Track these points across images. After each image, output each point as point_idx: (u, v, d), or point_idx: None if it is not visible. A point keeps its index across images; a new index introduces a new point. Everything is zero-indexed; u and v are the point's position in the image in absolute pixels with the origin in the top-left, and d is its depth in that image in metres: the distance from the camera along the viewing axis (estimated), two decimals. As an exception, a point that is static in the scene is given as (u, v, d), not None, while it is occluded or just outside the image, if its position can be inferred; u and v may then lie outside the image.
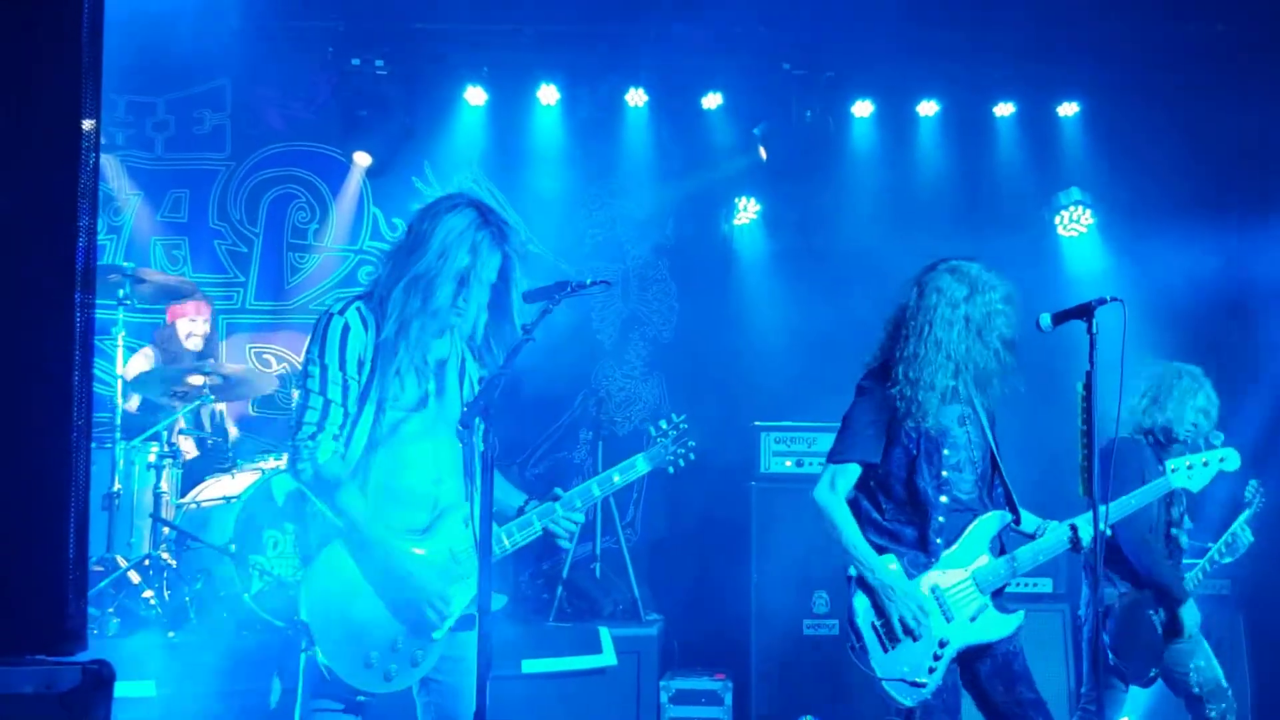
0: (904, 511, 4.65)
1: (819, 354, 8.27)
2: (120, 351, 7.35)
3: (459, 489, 3.93)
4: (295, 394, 3.92)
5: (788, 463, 7.90)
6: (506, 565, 7.01)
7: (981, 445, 4.71)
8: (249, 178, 9.41)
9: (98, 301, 2.63)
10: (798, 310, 9.08)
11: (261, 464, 7.22)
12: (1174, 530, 5.96)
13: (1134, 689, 5.85)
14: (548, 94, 9.23)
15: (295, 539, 6.78)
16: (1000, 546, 4.71)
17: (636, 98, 9.30)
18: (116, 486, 7.02)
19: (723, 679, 7.49)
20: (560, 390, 9.45)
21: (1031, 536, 4.77)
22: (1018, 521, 4.76)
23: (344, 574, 3.77)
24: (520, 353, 3.62)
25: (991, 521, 4.67)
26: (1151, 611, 5.75)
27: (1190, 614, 5.72)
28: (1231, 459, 5.26)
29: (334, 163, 9.44)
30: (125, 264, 7.69)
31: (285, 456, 4.61)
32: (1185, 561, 5.98)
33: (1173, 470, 5.16)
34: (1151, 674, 5.78)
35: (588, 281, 3.83)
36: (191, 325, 8.23)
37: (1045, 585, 7.64)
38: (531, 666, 6.99)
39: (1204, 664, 5.82)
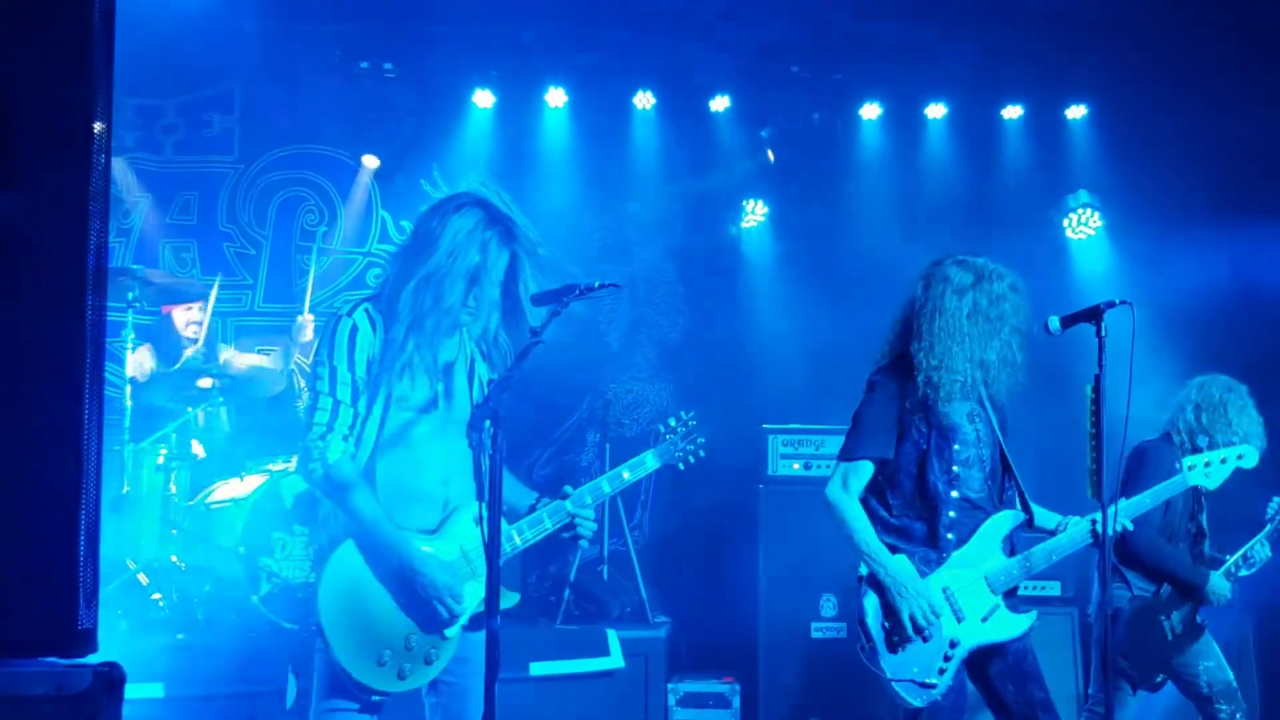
0: (913, 507, 4.63)
1: (827, 356, 8.27)
2: (129, 354, 7.37)
3: (468, 489, 3.95)
4: (304, 395, 3.92)
5: (795, 465, 7.89)
6: (515, 566, 7.03)
7: (991, 443, 4.71)
8: (258, 180, 9.42)
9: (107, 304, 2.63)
10: (805, 313, 9.08)
11: (270, 466, 7.22)
12: (1197, 539, 5.94)
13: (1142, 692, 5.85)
14: (556, 97, 9.24)
15: (304, 541, 6.79)
16: (1012, 546, 4.69)
17: (644, 100, 9.31)
18: (125, 489, 7.04)
19: (730, 682, 7.49)
20: (567, 393, 9.45)
21: (1053, 533, 4.75)
22: (1030, 521, 4.75)
23: (356, 573, 3.78)
24: (529, 355, 3.63)
25: (1003, 520, 4.66)
26: (1164, 617, 5.74)
27: (1219, 583, 5.69)
28: (1250, 456, 5.20)
29: (343, 166, 9.45)
30: (134, 266, 7.70)
31: (295, 459, 4.62)
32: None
33: (1190, 468, 5.12)
34: (1159, 679, 5.77)
35: (596, 284, 3.82)
36: (188, 314, 8.22)
37: (1054, 588, 7.63)
38: (539, 669, 6.99)
39: (1214, 665, 5.81)
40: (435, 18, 8.78)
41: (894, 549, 4.58)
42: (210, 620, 6.82)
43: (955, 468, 4.60)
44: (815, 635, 7.59)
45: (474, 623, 3.87)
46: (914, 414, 4.61)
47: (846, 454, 4.70)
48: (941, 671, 4.49)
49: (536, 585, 8.43)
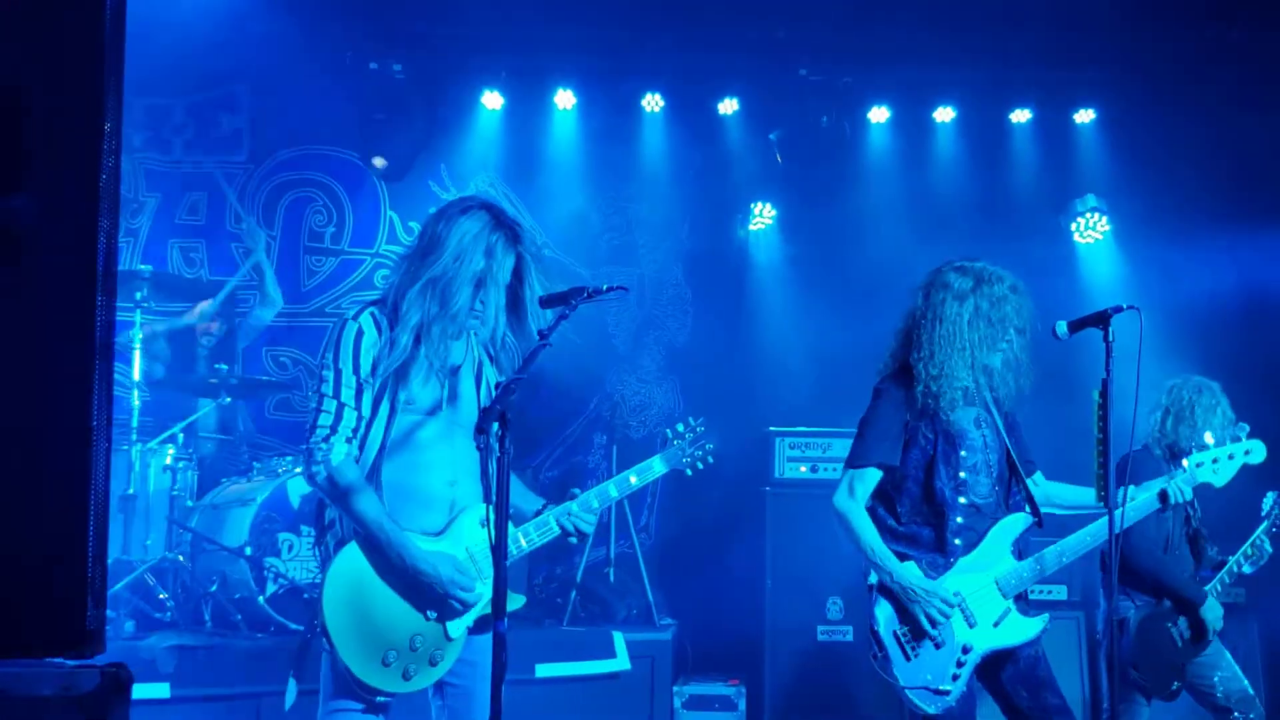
0: (920, 513, 4.63)
1: (834, 359, 8.28)
2: (137, 354, 7.39)
3: (474, 491, 3.94)
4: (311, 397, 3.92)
5: (802, 468, 7.89)
6: (521, 569, 7.04)
7: (998, 449, 4.70)
8: (266, 181, 9.44)
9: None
10: (813, 315, 9.08)
11: (278, 467, 7.23)
12: (1193, 541, 5.94)
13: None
14: (564, 99, 9.25)
15: (311, 542, 6.80)
16: (1021, 550, 4.69)
17: (653, 103, 9.32)
18: (132, 489, 7.05)
19: (736, 684, 7.48)
20: (574, 395, 9.46)
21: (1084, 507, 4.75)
22: (1039, 524, 4.74)
23: (361, 575, 3.79)
24: (536, 358, 3.63)
25: (1013, 524, 4.65)
26: (1170, 625, 5.73)
27: (1212, 612, 5.69)
28: (1257, 451, 5.15)
29: (351, 166, 9.47)
30: (142, 266, 7.71)
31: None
32: (1202, 574, 5.95)
33: (1197, 465, 5.11)
34: (1174, 687, 5.75)
35: (604, 287, 3.82)
36: (208, 327, 8.29)
37: (1060, 592, 7.63)
38: (545, 670, 6.99)
39: (1228, 674, 5.79)
40: (444, 19, 8.79)
41: (902, 556, 4.58)
42: (217, 621, 6.83)
43: (962, 473, 4.60)
44: (821, 638, 7.59)
45: (480, 626, 3.87)
46: (920, 420, 4.61)
47: (852, 461, 4.71)
48: (955, 678, 4.49)
49: (543, 587, 8.44)
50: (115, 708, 2.23)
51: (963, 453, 4.61)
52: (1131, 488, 4.87)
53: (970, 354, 4.56)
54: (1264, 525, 5.92)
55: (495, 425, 3.40)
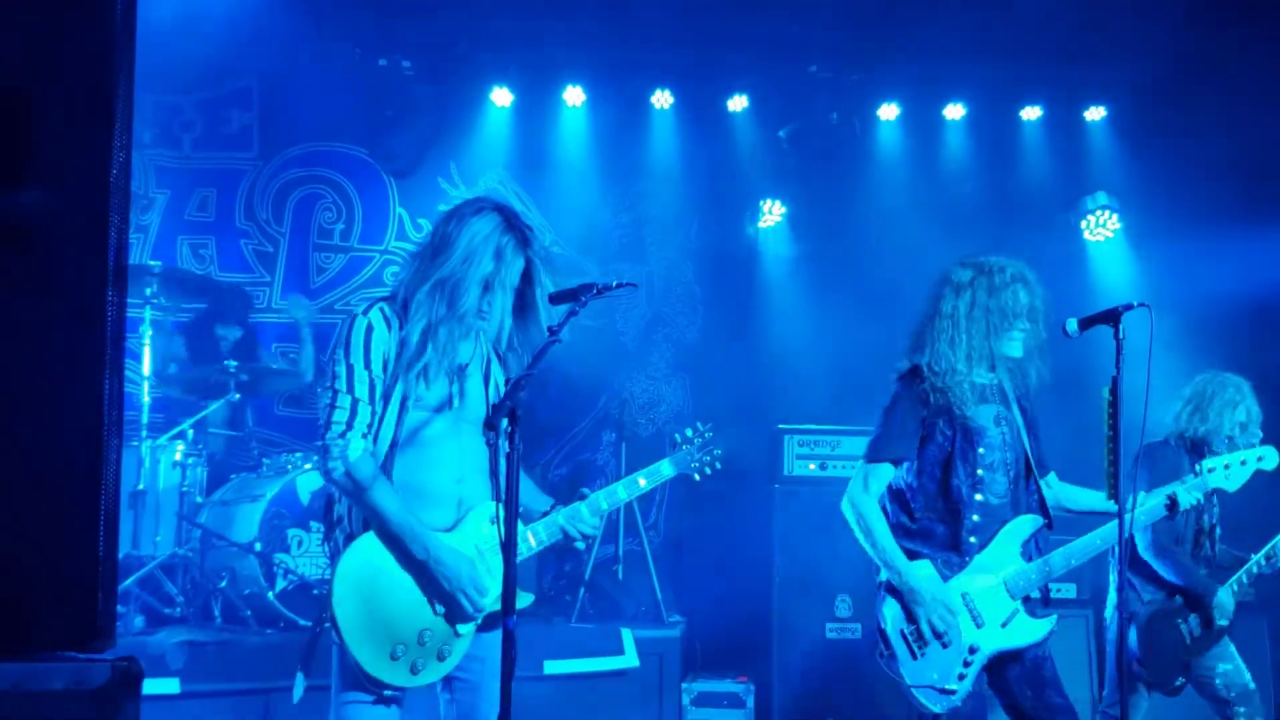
0: (935, 509, 4.62)
1: (843, 356, 8.27)
2: (147, 350, 7.40)
3: (483, 488, 3.95)
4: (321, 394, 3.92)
5: (811, 466, 7.88)
6: (530, 566, 7.03)
7: (1016, 448, 4.69)
8: (276, 177, 9.44)
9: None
10: (822, 313, 9.08)
11: (287, 463, 7.24)
12: (1205, 539, 5.92)
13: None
14: (574, 95, 9.26)
15: (320, 538, 6.81)
16: (1031, 551, 4.68)
17: (662, 99, 9.32)
18: (141, 485, 7.06)
19: (745, 681, 7.49)
20: (583, 392, 9.46)
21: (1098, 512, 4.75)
22: (1050, 526, 4.73)
23: (372, 568, 3.79)
24: (546, 354, 3.63)
25: (1023, 525, 4.63)
26: (1180, 621, 5.72)
27: (1224, 601, 5.68)
28: (1270, 457, 5.15)
29: (360, 163, 9.48)
30: (152, 263, 7.73)
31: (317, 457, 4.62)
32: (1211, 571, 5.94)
33: (1209, 470, 5.09)
34: (1178, 683, 5.74)
35: (613, 284, 3.82)
36: (225, 331, 8.33)
37: (1069, 590, 7.61)
38: (554, 667, 7.00)
39: (1231, 668, 5.79)
40: (453, 16, 8.78)
41: (915, 554, 4.57)
42: (226, 617, 6.84)
43: (980, 471, 4.59)
44: (830, 635, 7.58)
45: (489, 622, 3.88)
46: (938, 417, 4.60)
47: (868, 455, 4.71)
48: (961, 677, 4.48)
49: (552, 585, 8.45)
50: (126, 702, 2.24)
51: (981, 450, 4.60)
52: (1141, 493, 4.86)
53: (965, 345, 4.56)
54: None
55: (505, 421, 3.39)
